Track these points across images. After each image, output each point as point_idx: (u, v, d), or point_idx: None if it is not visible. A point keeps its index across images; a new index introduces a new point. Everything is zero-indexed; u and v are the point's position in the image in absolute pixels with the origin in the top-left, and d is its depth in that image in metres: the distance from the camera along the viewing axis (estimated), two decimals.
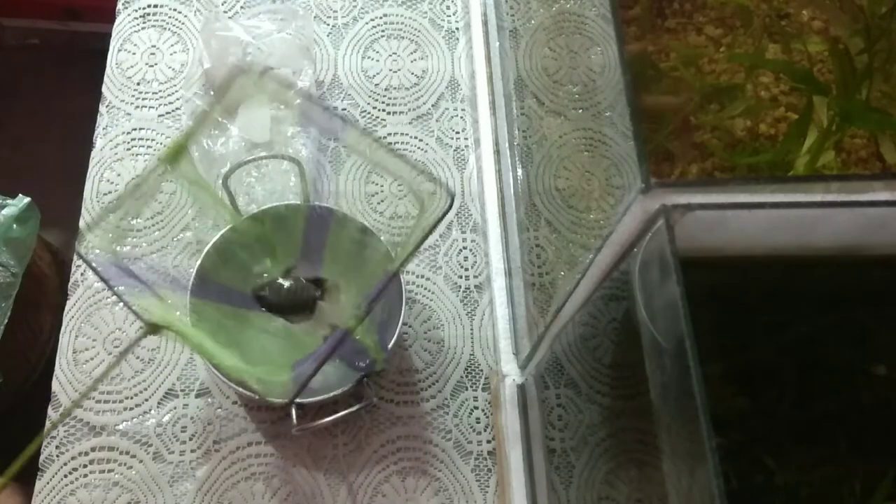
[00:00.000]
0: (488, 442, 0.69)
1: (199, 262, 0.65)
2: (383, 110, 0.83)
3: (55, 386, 0.69)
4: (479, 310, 0.74)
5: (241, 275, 0.68)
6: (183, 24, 0.86)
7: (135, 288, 0.56)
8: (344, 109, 0.82)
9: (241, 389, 0.61)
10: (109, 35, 0.85)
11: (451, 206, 0.53)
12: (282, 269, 0.69)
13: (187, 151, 0.57)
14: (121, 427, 0.68)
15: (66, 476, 0.66)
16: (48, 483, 0.66)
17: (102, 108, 0.81)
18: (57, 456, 0.67)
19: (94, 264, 0.53)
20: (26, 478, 0.67)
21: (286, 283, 0.66)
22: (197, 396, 0.69)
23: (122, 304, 0.54)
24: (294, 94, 0.60)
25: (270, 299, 0.67)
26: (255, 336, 0.66)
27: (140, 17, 0.86)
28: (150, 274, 0.61)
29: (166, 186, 0.78)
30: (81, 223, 0.76)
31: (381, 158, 0.59)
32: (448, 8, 0.89)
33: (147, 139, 0.80)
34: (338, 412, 0.62)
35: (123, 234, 0.56)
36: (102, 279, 0.53)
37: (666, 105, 0.58)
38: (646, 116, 0.56)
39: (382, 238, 0.67)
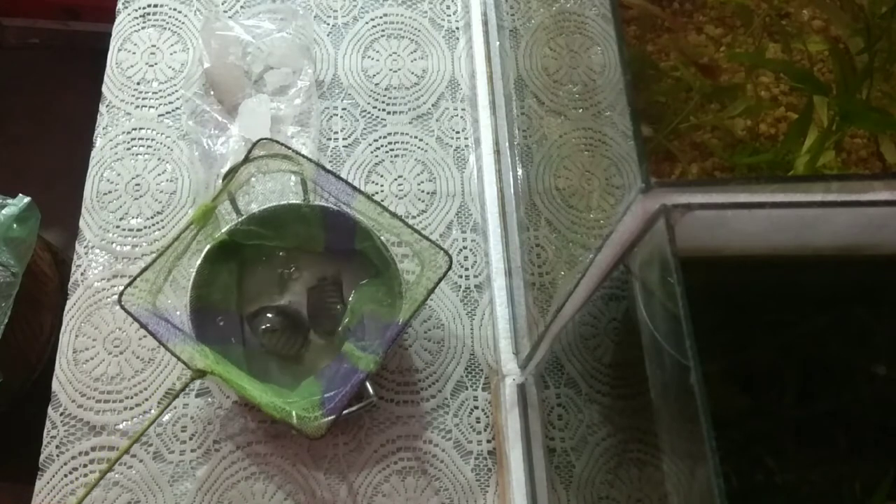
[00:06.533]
0: (488, 442, 0.69)
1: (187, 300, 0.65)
2: (383, 110, 0.83)
3: (55, 386, 0.69)
4: (479, 310, 0.74)
5: (227, 297, 0.69)
6: (183, 23, 0.86)
7: (175, 337, 0.60)
8: (344, 109, 0.82)
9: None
10: (109, 35, 0.85)
11: (450, 266, 0.61)
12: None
13: (214, 213, 0.65)
14: (121, 427, 0.68)
15: (66, 476, 0.66)
16: (48, 483, 0.66)
17: (102, 108, 0.81)
18: (57, 456, 0.67)
19: (138, 317, 0.59)
20: (26, 478, 0.67)
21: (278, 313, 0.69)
22: (197, 396, 0.69)
23: (160, 345, 0.59)
24: (308, 164, 0.65)
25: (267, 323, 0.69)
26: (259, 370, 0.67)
27: (140, 16, 0.86)
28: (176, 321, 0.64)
29: (166, 187, 0.78)
30: (82, 222, 0.76)
31: (387, 223, 0.64)
32: (448, 7, 0.89)
33: (147, 139, 0.80)
34: None
35: (160, 288, 0.63)
36: (150, 333, 0.59)
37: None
38: (646, 116, 0.56)
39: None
